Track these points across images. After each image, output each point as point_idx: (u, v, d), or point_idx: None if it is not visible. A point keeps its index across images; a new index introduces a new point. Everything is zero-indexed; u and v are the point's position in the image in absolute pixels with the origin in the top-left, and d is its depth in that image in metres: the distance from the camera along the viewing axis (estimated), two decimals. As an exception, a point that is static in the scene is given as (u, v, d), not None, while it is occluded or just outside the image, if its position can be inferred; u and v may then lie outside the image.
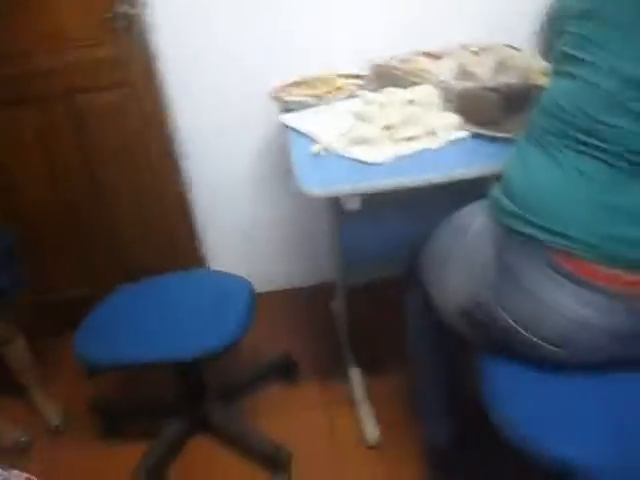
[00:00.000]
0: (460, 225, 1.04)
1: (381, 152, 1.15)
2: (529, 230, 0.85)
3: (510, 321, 0.91)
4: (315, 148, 1.20)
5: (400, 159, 1.14)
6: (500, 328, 0.93)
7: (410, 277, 1.29)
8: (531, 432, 0.82)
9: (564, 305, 0.84)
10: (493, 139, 1.17)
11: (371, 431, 1.49)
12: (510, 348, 0.94)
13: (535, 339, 0.90)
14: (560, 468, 0.77)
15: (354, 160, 1.16)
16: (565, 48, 0.88)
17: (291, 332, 1.93)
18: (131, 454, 1.51)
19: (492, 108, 1.25)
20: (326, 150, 1.21)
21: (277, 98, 1.55)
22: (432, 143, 1.19)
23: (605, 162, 0.81)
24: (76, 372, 1.84)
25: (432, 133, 1.20)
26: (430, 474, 1.38)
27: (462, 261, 0.98)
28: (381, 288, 1.89)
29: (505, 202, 0.91)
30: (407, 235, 1.40)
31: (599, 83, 0.81)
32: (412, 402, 1.57)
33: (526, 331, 0.90)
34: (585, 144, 0.82)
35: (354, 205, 1.07)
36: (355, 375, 1.68)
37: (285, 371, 1.74)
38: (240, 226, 2.04)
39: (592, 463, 0.60)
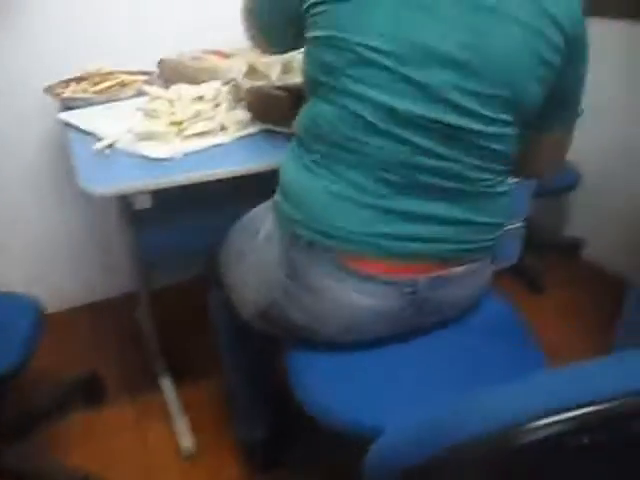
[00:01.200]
0: (250, 228, 1.05)
1: (169, 148, 1.11)
2: (311, 235, 0.89)
3: (302, 319, 0.95)
4: (99, 145, 1.12)
5: (189, 155, 1.12)
6: (294, 326, 0.96)
7: (210, 277, 1.27)
8: (330, 407, 0.86)
9: (351, 299, 0.91)
10: (282, 135, 1.20)
11: (186, 441, 1.44)
12: (306, 340, 0.99)
13: (327, 332, 0.96)
14: (358, 434, 0.82)
15: (141, 157, 1.11)
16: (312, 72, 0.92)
17: (96, 349, 1.78)
18: None
19: (282, 106, 1.29)
20: (111, 147, 1.14)
21: (54, 95, 1.41)
22: (222, 139, 1.18)
23: (371, 176, 0.86)
24: None
25: (223, 128, 1.20)
26: (251, 475, 1.38)
27: (254, 263, 1.00)
28: (186, 289, 1.84)
29: (286, 207, 0.93)
30: (205, 233, 1.39)
31: (350, 106, 0.85)
32: (227, 405, 1.55)
33: (317, 326, 0.95)
34: (349, 159, 0.87)
35: (144, 204, 1.02)
36: (166, 385, 1.60)
37: (90, 392, 1.59)
38: (26, 241, 1.82)
39: (383, 425, 0.65)
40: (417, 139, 0.84)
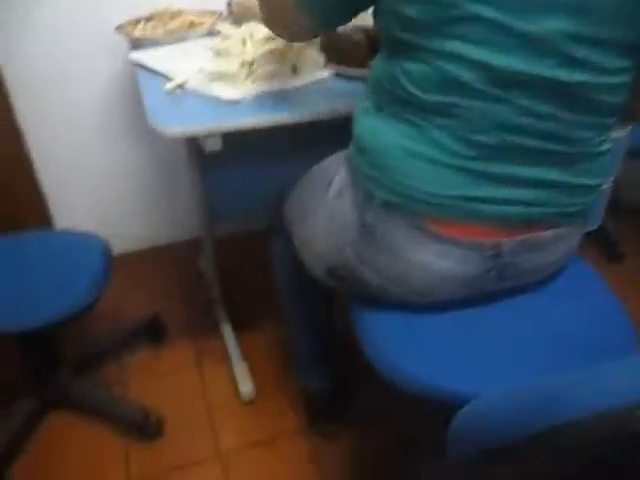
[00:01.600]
0: (321, 181, 1.00)
1: (240, 89, 1.06)
2: (389, 196, 0.84)
3: (375, 279, 0.91)
4: (170, 85, 1.09)
5: (261, 97, 1.07)
6: (365, 285, 0.93)
7: (275, 227, 1.25)
8: (414, 371, 0.83)
9: (428, 263, 0.86)
10: (357, 80, 1.13)
11: (245, 386, 1.45)
12: (378, 300, 0.95)
13: (400, 293, 0.91)
14: (438, 398, 0.78)
15: (212, 97, 1.07)
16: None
17: (157, 293, 1.81)
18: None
19: (359, 50, 1.21)
20: (182, 88, 1.10)
21: (125, 34, 1.38)
22: (294, 81, 1.12)
23: (460, 137, 0.79)
24: None
25: (294, 70, 1.14)
26: (309, 425, 1.38)
27: (324, 220, 0.95)
28: (250, 239, 1.83)
29: (361, 163, 0.87)
30: (273, 182, 1.35)
31: (441, 65, 0.77)
32: (287, 354, 1.55)
33: (391, 287, 0.91)
34: (437, 120, 0.80)
35: (215, 146, 0.98)
36: (227, 331, 1.62)
37: (153, 334, 1.63)
38: (94, 182, 1.84)
39: (475, 390, 0.61)
40: (515, 98, 0.76)
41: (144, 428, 1.35)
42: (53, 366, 1.37)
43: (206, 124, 0.97)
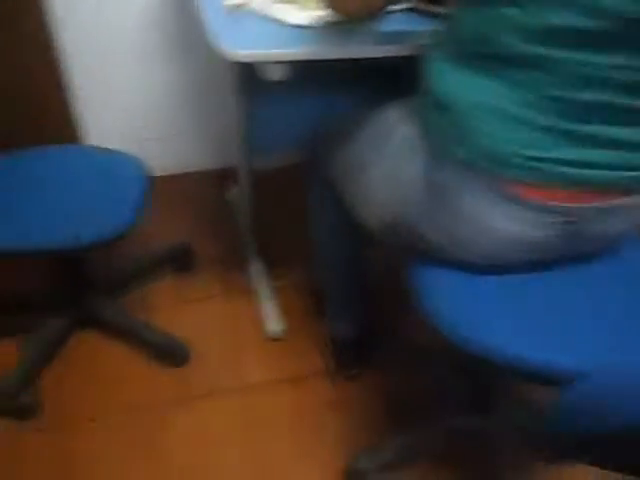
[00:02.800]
0: (380, 131, 0.95)
1: (308, 14, 0.98)
2: (468, 154, 0.79)
3: (436, 240, 0.87)
4: (230, 2, 1.01)
5: (329, 25, 0.99)
6: (427, 245, 0.89)
7: (313, 167, 1.20)
8: (494, 340, 0.79)
9: (499, 226, 0.82)
10: (433, 16, 1.05)
11: (273, 324, 1.45)
12: (438, 259, 0.91)
13: (462, 255, 0.88)
14: (543, 374, 0.75)
15: (276, 21, 0.99)
16: None
17: (186, 221, 1.78)
18: (2, 351, 1.34)
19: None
20: (242, 7, 1.02)
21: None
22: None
23: (551, 96, 0.74)
24: None
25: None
26: (334, 367, 1.38)
27: (384, 174, 0.91)
28: (285, 175, 1.78)
29: (439, 118, 0.81)
30: (315, 120, 1.29)
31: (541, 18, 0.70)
32: (314, 295, 1.54)
33: (453, 248, 0.87)
34: (528, 77, 0.74)
35: (278, 75, 0.92)
36: (257, 266, 1.60)
37: (181, 261, 1.62)
38: (125, 103, 1.77)
39: (581, 366, 0.58)
40: (617, 53, 0.70)
41: (171, 355, 1.36)
42: (85, 287, 1.36)
43: (273, 50, 0.90)
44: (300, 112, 1.44)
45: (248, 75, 1.31)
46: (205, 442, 1.23)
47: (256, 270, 1.59)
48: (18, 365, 1.26)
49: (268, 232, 1.71)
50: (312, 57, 0.91)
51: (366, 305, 1.34)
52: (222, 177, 1.93)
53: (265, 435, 1.25)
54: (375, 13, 0.93)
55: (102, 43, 1.63)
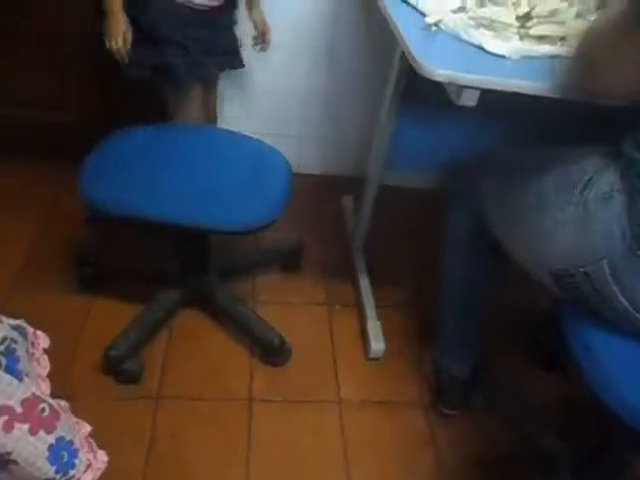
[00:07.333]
0: (569, 176, 0.89)
1: (509, 44, 0.95)
2: None
3: (624, 304, 0.81)
4: (430, 19, 0.99)
5: (527, 59, 0.96)
6: (606, 305, 0.83)
7: (460, 196, 1.17)
8: None
9: None
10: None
11: (377, 344, 1.41)
12: (605, 314, 0.85)
13: None
14: None
15: (471, 44, 0.97)
16: None
17: (299, 222, 1.78)
18: (112, 315, 1.37)
19: None
20: (437, 26, 1.00)
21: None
22: (561, 49, 1.00)
23: None
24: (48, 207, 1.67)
25: (562, 38, 1.01)
26: (431, 400, 1.34)
27: (572, 221, 0.85)
28: (408, 195, 1.75)
29: None
30: (465, 150, 1.26)
31: None
32: (421, 323, 1.50)
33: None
34: None
35: (471, 100, 0.89)
36: (364, 283, 1.57)
37: (290, 261, 1.61)
38: (272, 95, 1.80)
39: None
40: None
41: (273, 352, 1.35)
42: (202, 267, 1.38)
43: (474, 75, 0.88)
44: (446, 138, 1.41)
45: (408, 90, 1.30)
46: (290, 447, 1.21)
47: (364, 286, 1.56)
48: (129, 331, 1.28)
49: (380, 249, 1.68)
50: (513, 89, 0.88)
51: (482, 348, 1.29)
52: (340, 185, 1.92)
53: (354, 457, 1.22)
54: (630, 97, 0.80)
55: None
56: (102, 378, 1.26)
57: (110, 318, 1.36)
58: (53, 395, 0.83)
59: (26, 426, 0.58)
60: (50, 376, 0.93)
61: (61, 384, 1.20)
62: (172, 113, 1.42)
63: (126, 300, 1.41)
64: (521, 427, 1.27)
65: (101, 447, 0.89)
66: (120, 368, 1.25)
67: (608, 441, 1.06)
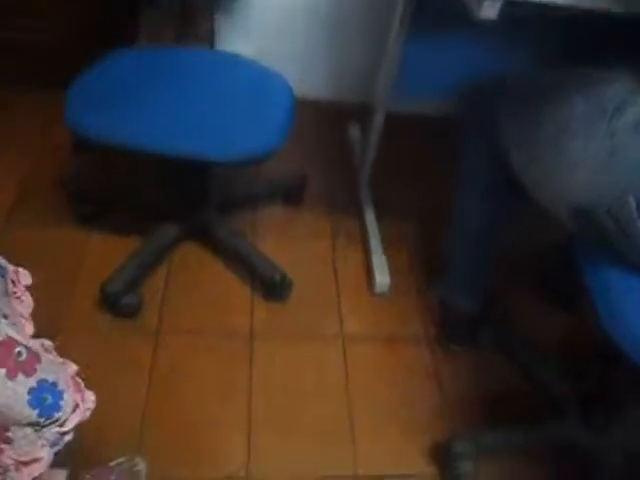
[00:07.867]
0: (596, 103, 0.82)
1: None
2: None
3: None
4: None
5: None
6: (629, 243, 0.78)
7: (479, 121, 1.08)
8: None
9: None
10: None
11: (381, 278, 1.37)
12: (625, 253, 0.80)
13: None
14: None
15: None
16: None
17: (302, 151, 1.69)
18: (110, 248, 1.33)
19: None
20: None
21: None
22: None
23: None
24: (43, 135, 1.60)
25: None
26: (437, 335, 1.31)
27: (598, 151, 0.79)
28: (415, 123, 1.65)
29: None
30: (479, 73, 1.16)
31: None
32: (428, 259, 1.46)
33: None
34: None
35: (491, 13, 0.79)
36: (369, 217, 1.52)
37: (293, 194, 1.55)
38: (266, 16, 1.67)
39: None
40: None
41: (273, 287, 1.32)
42: (202, 200, 1.32)
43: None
44: (458, 61, 1.31)
45: (416, 10, 1.19)
46: (291, 382, 1.19)
47: (369, 220, 1.50)
48: (126, 266, 1.24)
49: (386, 181, 1.61)
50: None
51: (491, 282, 1.25)
52: (346, 112, 1.82)
53: (357, 391, 1.21)
54: None
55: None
56: (100, 314, 1.24)
57: (107, 253, 1.32)
58: (44, 333, 0.79)
59: (2, 370, 0.54)
60: (45, 313, 0.90)
61: (57, 321, 1.19)
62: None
63: (123, 234, 1.37)
64: (526, 365, 1.25)
65: (100, 384, 0.87)
66: (119, 303, 1.22)
67: (614, 381, 1.03)
